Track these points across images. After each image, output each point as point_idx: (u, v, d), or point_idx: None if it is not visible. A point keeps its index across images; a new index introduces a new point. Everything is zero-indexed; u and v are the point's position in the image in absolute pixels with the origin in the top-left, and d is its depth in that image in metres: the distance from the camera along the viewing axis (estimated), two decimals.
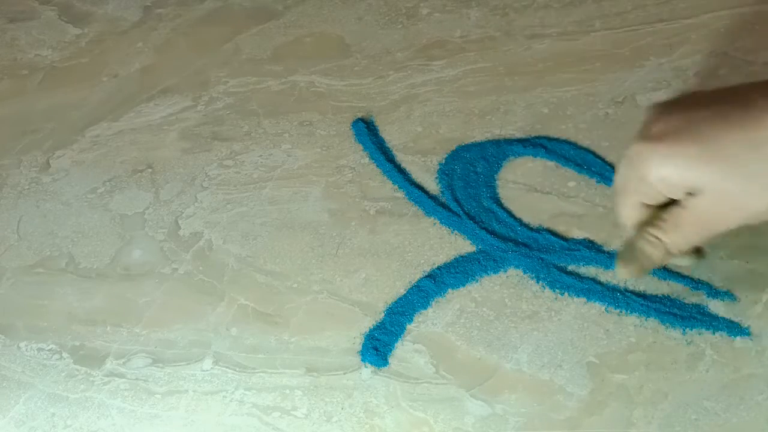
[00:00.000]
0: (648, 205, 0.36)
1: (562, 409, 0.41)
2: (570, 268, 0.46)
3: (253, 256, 0.50)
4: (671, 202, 0.35)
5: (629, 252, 0.39)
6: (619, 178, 0.36)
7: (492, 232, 0.48)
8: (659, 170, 0.33)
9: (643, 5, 0.57)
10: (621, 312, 0.44)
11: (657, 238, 0.36)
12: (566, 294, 0.45)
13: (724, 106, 0.32)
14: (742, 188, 0.32)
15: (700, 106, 0.33)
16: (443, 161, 0.52)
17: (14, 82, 0.63)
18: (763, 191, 0.32)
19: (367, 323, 0.46)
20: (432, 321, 0.46)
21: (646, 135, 0.34)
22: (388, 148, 0.54)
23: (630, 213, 0.37)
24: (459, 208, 0.50)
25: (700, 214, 0.34)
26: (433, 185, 0.51)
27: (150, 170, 0.56)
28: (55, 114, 0.61)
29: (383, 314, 0.46)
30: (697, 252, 0.40)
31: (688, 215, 0.34)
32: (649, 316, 0.43)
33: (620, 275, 0.40)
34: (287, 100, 0.58)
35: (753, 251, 0.44)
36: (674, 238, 0.36)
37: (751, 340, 0.42)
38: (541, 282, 0.46)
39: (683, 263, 0.43)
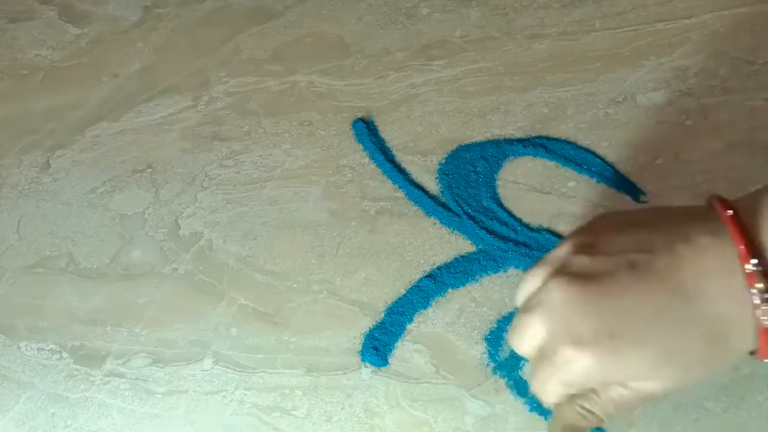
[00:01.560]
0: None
1: None
2: None
3: (253, 256, 0.50)
4: None
5: (559, 425, 0.34)
6: (536, 372, 0.33)
7: (492, 232, 0.48)
8: (596, 374, 0.30)
9: (643, 5, 0.57)
10: None
11: (591, 412, 0.33)
12: None
13: (643, 289, 0.30)
14: (687, 364, 0.30)
15: (620, 293, 0.30)
16: (443, 161, 0.52)
17: (14, 82, 0.63)
18: (711, 363, 0.30)
19: (367, 323, 0.46)
20: (432, 321, 0.46)
21: (572, 338, 0.30)
22: (388, 148, 0.54)
23: (555, 400, 0.33)
24: (459, 208, 0.50)
25: (644, 395, 0.31)
26: (433, 185, 0.51)
27: (150, 170, 0.56)
28: (55, 114, 0.61)
29: (383, 314, 0.46)
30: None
31: (630, 394, 0.31)
32: None
33: None
34: (287, 100, 0.58)
35: None
36: (612, 413, 0.32)
37: None
38: None
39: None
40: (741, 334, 0.29)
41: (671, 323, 0.30)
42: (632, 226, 0.33)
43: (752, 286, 0.29)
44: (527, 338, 0.33)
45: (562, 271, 0.32)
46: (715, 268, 0.29)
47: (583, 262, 0.32)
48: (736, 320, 0.29)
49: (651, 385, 0.31)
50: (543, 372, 0.32)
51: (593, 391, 0.32)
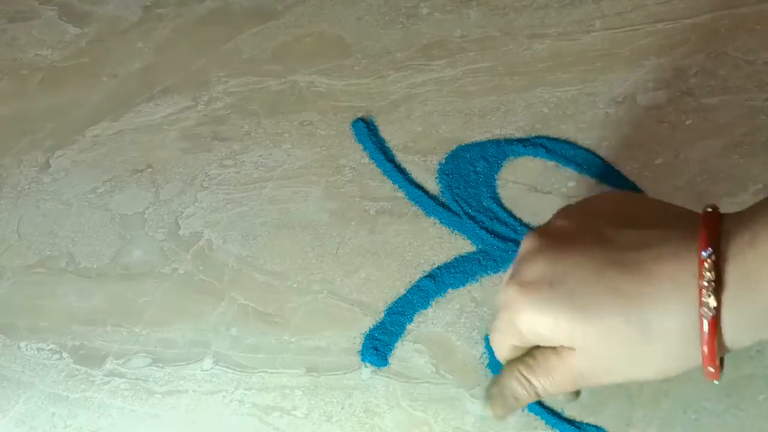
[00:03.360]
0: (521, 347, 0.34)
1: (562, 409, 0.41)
2: None
3: (253, 256, 0.50)
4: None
5: (497, 388, 0.35)
6: (497, 315, 0.34)
7: (492, 232, 0.48)
8: (529, 322, 0.31)
9: (643, 5, 0.57)
10: None
11: (527, 379, 0.33)
12: None
13: (604, 258, 0.30)
14: (615, 356, 0.30)
15: (580, 252, 0.31)
16: (443, 161, 0.52)
17: (14, 82, 0.63)
18: (637, 363, 0.29)
19: (367, 323, 0.46)
20: (432, 321, 0.46)
21: (520, 278, 0.32)
22: (388, 148, 0.54)
23: (504, 353, 0.34)
24: (459, 208, 0.50)
25: (572, 368, 0.31)
26: (433, 185, 0.51)
27: (150, 170, 0.56)
28: (55, 114, 0.61)
29: (383, 314, 0.46)
30: (574, 393, 0.37)
31: (561, 364, 0.32)
32: None
33: (485, 413, 0.35)
34: (287, 100, 0.58)
35: None
36: (545, 384, 0.33)
37: None
38: None
39: (558, 399, 0.41)
40: (678, 332, 0.28)
41: (613, 298, 0.29)
42: (618, 209, 0.33)
43: (701, 275, 0.27)
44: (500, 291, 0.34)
45: (539, 229, 0.34)
46: (675, 275, 0.28)
47: (560, 224, 0.33)
48: (677, 315, 0.28)
49: (577, 359, 0.31)
50: (498, 321, 0.34)
51: (533, 357, 0.33)
